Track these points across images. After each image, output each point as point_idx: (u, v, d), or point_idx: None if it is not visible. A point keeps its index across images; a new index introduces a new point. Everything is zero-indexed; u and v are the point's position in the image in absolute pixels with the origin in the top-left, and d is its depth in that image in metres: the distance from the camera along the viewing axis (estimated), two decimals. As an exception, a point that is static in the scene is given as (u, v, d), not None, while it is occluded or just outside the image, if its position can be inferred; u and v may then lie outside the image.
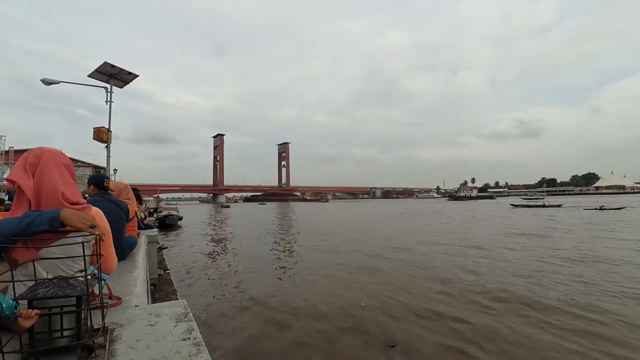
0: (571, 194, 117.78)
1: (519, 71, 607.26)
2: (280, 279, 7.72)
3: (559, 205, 38.06)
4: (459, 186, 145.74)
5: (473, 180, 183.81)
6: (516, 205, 40.95)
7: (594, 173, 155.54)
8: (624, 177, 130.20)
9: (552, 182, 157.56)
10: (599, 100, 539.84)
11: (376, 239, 14.01)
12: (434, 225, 19.97)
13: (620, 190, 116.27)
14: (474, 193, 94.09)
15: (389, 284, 6.90)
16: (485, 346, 4.07)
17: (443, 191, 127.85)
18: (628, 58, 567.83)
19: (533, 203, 41.29)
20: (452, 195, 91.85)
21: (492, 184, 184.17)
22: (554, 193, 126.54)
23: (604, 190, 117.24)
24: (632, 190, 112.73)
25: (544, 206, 37.59)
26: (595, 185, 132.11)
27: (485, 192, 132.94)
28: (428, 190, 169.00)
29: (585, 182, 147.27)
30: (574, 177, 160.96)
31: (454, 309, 5.34)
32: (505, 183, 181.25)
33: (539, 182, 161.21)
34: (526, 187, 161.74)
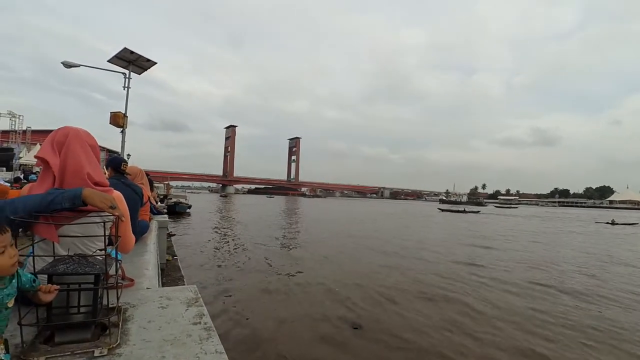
0: (583, 206, 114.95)
1: (536, 76, 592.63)
2: (270, 265, 8.39)
3: (478, 212, 43.07)
4: (469, 191, 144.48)
5: (484, 187, 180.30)
6: (442, 210, 45.35)
7: (608, 186, 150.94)
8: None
9: (564, 193, 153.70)
10: (619, 111, 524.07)
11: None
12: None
13: (635, 205, 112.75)
14: (464, 199, 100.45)
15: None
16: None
17: (453, 194, 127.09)
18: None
19: (455, 208, 47.86)
20: (443, 200, 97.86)
21: (503, 190, 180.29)
22: (566, 204, 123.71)
23: (618, 205, 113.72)
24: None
25: (464, 212, 41.30)
26: (609, 199, 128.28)
27: (496, 200, 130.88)
28: (438, 194, 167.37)
29: (599, 195, 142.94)
30: (588, 190, 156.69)
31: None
32: (517, 191, 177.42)
33: (552, 192, 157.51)
34: (538, 196, 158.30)
